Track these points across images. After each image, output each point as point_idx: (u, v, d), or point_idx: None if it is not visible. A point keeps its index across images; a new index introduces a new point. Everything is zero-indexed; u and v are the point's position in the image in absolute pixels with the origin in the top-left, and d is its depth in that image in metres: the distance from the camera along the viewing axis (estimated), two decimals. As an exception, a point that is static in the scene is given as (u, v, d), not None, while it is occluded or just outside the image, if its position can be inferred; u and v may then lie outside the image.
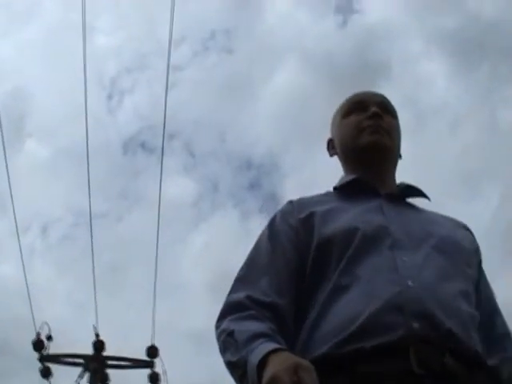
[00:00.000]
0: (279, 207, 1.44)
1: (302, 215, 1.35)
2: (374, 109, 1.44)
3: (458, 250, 1.30)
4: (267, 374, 1.02)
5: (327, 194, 1.47)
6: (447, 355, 1.09)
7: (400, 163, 1.52)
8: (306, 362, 1.04)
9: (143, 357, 10.02)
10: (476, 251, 1.38)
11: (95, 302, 9.42)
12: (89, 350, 9.87)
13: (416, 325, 1.10)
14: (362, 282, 1.19)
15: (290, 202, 1.42)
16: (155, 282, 9.64)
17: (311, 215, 1.34)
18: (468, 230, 1.44)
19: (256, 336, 1.13)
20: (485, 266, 1.40)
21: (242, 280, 1.31)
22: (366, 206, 1.36)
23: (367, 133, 1.42)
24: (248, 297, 1.24)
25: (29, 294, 9.97)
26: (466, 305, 1.21)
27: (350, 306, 1.16)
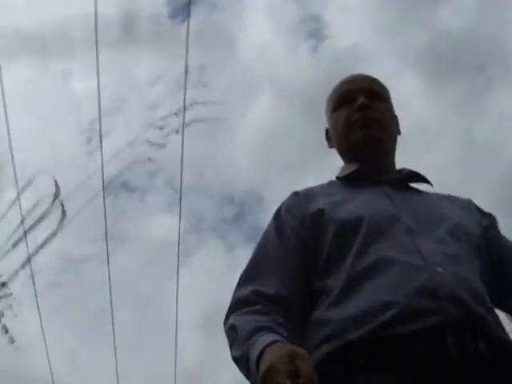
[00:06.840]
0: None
1: (311, 210, 1.33)
2: (360, 100, 1.43)
3: (470, 238, 1.29)
4: (263, 364, 1.01)
5: (331, 184, 1.46)
6: (480, 340, 1.08)
7: None
8: (301, 350, 1.03)
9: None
10: (483, 232, 1.35)
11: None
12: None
13: (452, 310, 1.10)
14: (387, 266, 1.17)
15: (296, 194, 1.41)
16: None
17: (321, 212, 1.31)
18: (473, 206, 1.43)
19: (256, 330, 1.13)
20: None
21: (248, 275, 1.30)
22: (371, 193, 1.34)
23: (357, 128, 1.42)
24: (254, 291, 1.24)
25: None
26: (487, 293, 1.20)
27: (380, 291, 1.14)
